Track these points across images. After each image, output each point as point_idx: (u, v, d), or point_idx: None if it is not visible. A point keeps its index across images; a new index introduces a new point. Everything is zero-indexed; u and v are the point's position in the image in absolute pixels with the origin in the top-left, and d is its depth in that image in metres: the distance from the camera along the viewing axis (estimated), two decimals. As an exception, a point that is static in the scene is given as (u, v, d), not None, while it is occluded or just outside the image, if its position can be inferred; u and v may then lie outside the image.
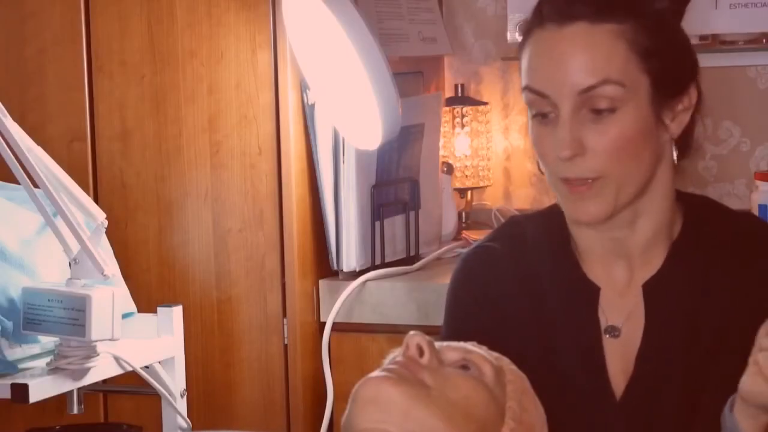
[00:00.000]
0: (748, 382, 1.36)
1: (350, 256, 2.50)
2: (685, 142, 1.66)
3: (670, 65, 1.59)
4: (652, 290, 1.65)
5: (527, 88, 1.60)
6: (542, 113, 1.59)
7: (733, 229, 1.67)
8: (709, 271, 1.63)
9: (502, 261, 1.71)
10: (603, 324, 1.65)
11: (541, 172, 1.67)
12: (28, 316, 1.83)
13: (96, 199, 2.56)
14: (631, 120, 1.56)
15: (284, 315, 2.50)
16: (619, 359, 1.65)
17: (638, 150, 1.58)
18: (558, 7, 1.58)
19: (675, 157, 1.64)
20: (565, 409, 1.60)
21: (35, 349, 1.91)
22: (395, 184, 2.59)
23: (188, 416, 2.07)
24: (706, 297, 1.62)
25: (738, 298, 1.61)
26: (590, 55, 1.55)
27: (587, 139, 1.56)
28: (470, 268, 1.74)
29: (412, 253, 2.62)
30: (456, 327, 1.71)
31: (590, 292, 1.66)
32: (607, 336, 1.65)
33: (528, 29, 1.61)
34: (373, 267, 2.52)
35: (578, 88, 1.55)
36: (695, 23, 2.72)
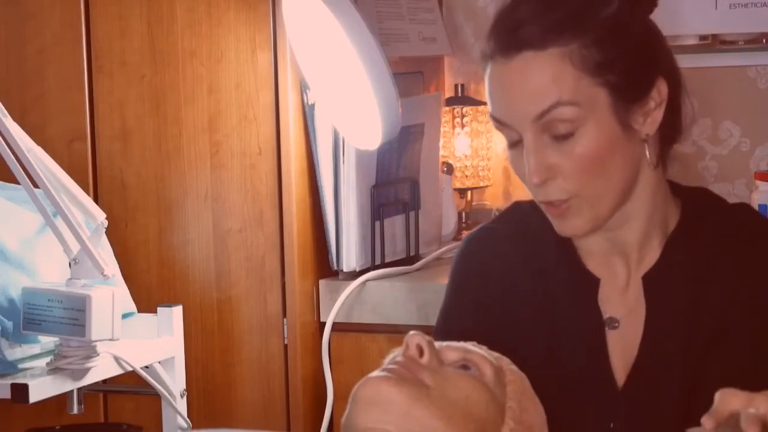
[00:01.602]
0: None
1: (350, 256, 2.50)
2: (671, 131, 1.65)
3: (628, 71, 1.58)
4: (651, 282, 1.66)
5: (492, 117, 1.63)
6: (511, 143, 1.62)
7: (730, 221, 1.68)
8: (707, 262, 1.64)
9: (505, 242, 1.72)
10: (603, 316, 1.66)
11: None
12: (28, 316, 1.83)
13: (96, 199, 2.56)
14: (594, 136, 1.56)
15: (284, 315, 2.50)
16: (620, 350, 1.66)
17: (607, 163, 1.58)
18: (503, 38, 1.59)
19: (649, 157, 1.62)
20: (567, 402, 1.61)
21: (35, 349, 1.91)
22: (395, 184, 2.59)
23: (188, 416, 2.08)
24: (705, 288, 1.63)
25: (736, 288, 1.62)
26: (537, 81, 1.56)
27: (555, 162, 1.58)
28: (474, 247, 1.76)
29: (412, 253, 2.62)
30: (455, 319, 1.72)
31: (590, 284, 1.67)
32: (607, 328, 1.66)
33: (483, 60, 1.63)
34: (373, 267, 2.52)
35: (532, 116, 1.57)
36: (695, 23, 2.72)
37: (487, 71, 1.62)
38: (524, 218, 1.73)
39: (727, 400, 1.23)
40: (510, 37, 1.57)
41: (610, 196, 1.60)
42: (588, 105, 1.56)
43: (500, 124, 1.61)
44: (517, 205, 1.79)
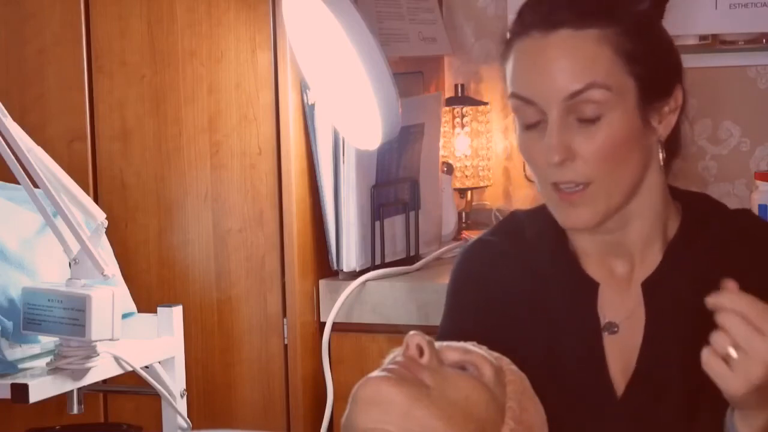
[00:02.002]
0: (706, 364, 1.37)
1: (350, 256, 2.50)
2: (673, 143, 1.66)
3: (655, 67, 1.59)
4: (651, 288, 1.65)
5: (514, 95, 1.61)
6: (532, 123, 1.60)
7: (731, 227, 1.67)
8: (707, 267, 1.63)
9: (501, 255, 1.71)
10: (601, 321, 1.66)
11: (529, 180, 1.68)
12: (28, 316, 1.83)
13: (96, 199, 2.56)
14: (618, 124, 1.57)
15: (284, 315, 2.50)
16: (619, 357, 1.65)
17: (626, 154, 1.58)
18: (541, 15, 1.58)
19: (662, 159, 1.64)
20: (566, 406, 1.60)
21: (35, 349, 1.91)
22: (395, 184, 2.59)
23: (188, 416, 2.08)
24: (705, 294, 1.62)
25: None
26: (575, 60, 1.56)
27: (576, 145, 1.57)
28: (470, 261, 1.75)
29: (412, 253, 2.62)
30: (455, 321, 1.72)
31: (589, 288, 1.66)
32: (606, 333, 1.65)
33: (511, 37, 1.62)
34: (373, 267, 2.52)
35: (565, 93, 1.56)
36: (695, 23, 2.73)
37: (517, 46, 1.60)
38: (519, 226, 1.73)
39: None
40: (550, 13, 1.57)
41: (623, 187, 1.60)
42: (618, 92, 1.56)
43: (524, 102, 1.59)
44: (513, 215, 1.78)
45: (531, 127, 1.60)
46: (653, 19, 1.61)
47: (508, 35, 1.63)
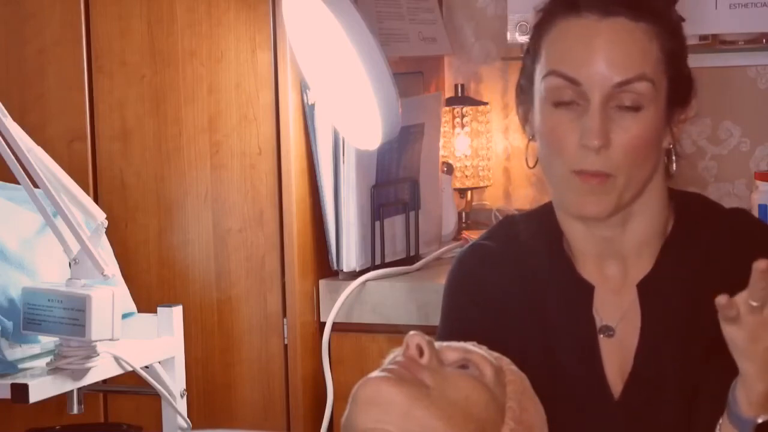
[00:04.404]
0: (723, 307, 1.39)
1: (350, 256, 2.50)
2: (674, 150, 1.67)
3: (683, 71, 1.62)
4: (646, 289, 1.65)
5: (555, 73, 1.59)
6: (564, 101, 1.58)
7: (726, 227, 1.67)
8: (702, 268, 1.63)
9: (497, 259, 1.71)
10: (597, 324, 1.66)
11: (530, 167, 1.68)
12: (28, 316, 1.84)
13: (96, 199, 2.56)
14: (652, 120, 1.58)
15: (284, 315, 2.50)
16: (615, 359, 1.65)
17: (650, 152, 1.60)
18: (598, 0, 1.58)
19: (674, 164, 1.65)
20: (564, 409, 1.60)
21: (35, 349, 1.91)
22: (395, 184, 2.59)
23: (188, 416, 2.08)
24: (700, 294, 1.62)
25: (732, 294, 1.61)
26: (630, 49, 1.56)
27: (612, 134, 1.57)
28: (465, 266, 1.74)
29: (412, 253, 2.62)
30: (452, 326, 1.72)
31: (585, 291, 1.66)
32: (602, 336, 1.65)
33: (553, 15, 1.61)
34: (373, 267, 2.52)
35: (614, 81, 1.56)
36: (695, 23, 2.72)
37: (564, 25, 1.59)
38: (515, 232, 1.73)
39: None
40: None
41: (636, 185, 1.61)
42: (658, 87, 1.58)
43: (568, 81, 1.58)
44: (507, 220, 1.78)
45: (561, 105, 1.59)
46: (680, 26, 1.64)
47: (540, 10, 1.62)
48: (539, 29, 1.62)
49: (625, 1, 1.57)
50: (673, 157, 1.65)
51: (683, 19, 1.65)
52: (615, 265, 1.67)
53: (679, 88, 1.61)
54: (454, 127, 2.91)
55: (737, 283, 1.61)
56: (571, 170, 1.59)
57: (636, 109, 1.56)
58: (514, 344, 1.61)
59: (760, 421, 1.39)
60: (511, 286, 1.69)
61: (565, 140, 1.58)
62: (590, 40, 1.57)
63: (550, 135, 1.60)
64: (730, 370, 1.42)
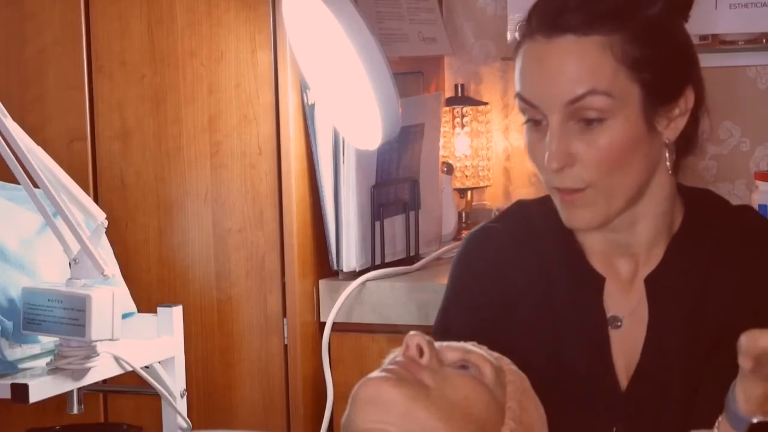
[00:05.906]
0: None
1: (350, 256, 2.49)
2: (686, 143, 1.66)
3: (663, 73, 1.59)
4: (654, 284, 1.66)
5: (519, 96, 1.62)
6: (534, 120, 1.60)
7: (733, 223, 1.68)
8: (710, 263, 1.64)
9: (505, 242, 1.72)
10: (606, 315, 1.66)
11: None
12: (28, 316, 1.83)
13: (96, 199, 2.56)
14: (620, 130, 1.57)
15: (284, 315, 2.50)
16: (622, 351, 1.65)
17: (627, 160, 1.58)
18: (546, 19, 1.58)
19: (668, 162, 1.63)
20: (570, 399, 1.61)
21: (35, 349, 1.91)
22: (395, 184, 2.59)
23: (188, 416, 2.08)
24: (707, 289, 1.63)
25: (739, 290, 1.62)
26: (577, 66, 1.56)
27: (576, 150, 1.57)
28: (474, 246, 1.75)
29: (412, 253, 2.62)
30: (456, 301, 1.72)
31: (595, 282, 1.67)
32: (610, 327, 1.66)
33: (521, 37, 1.62)
34: (373, 267, 2.52)
35: (565, 99, 1.56)
36: (695, 23, 2.71)
37: (523, 49, 1.61)
38: (526, 216, 1.73)
39: (755, 338, 1.24)
40: (555, 18, 1.57)
41: (624, 192, 1.60)
42: (621, 98, 1.56)
43: (527, 104, 1.60)
44: (520, 204, 1.78)
45: (536, 125, 1.60)
46: (665, 23, 1.60)
47: (517, 36, 1.64)
48: (515, 52, 1.64)
49: (574, 17, 1.56)
50: (671, 154, 1.64)
51: (676, 14, 1.62)
52: (625, 263, 1.68)
53: (660, 89, 1.59)
54: (454, 127, 2.91)
55: (744, 279, 1.61)
56: (551, 186, 1.62)
57: (599, 120, 1.56)
58: (520, 333, 1.62)
59: (754, 420, 1.39)
60: (520, 272, 1.69)
61: (540, 158, 1.60)
62: (540, 62, 1.59)
63: (530, 152, 1.63)
64: (735, 366, 1.42)
